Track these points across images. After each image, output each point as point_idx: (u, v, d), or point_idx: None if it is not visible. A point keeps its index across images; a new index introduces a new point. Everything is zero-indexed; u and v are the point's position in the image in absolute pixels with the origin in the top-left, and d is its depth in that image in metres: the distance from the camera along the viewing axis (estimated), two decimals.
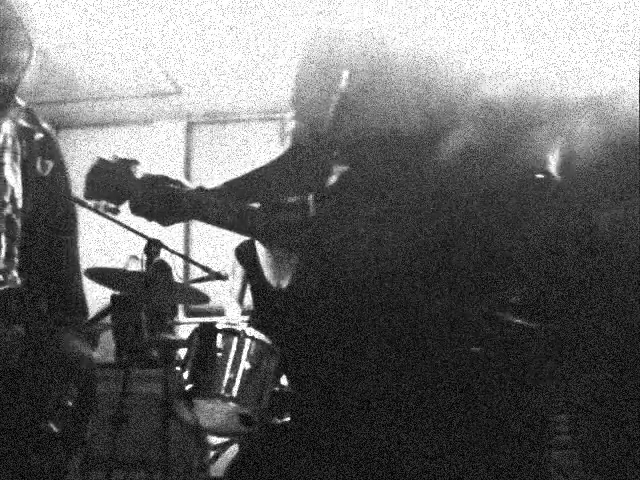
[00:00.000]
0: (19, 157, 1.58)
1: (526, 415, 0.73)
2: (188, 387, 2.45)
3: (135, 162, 1.07)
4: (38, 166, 1.61)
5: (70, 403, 1.55)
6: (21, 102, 1.63)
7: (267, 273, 3.48)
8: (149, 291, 2.78)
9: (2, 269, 1.50)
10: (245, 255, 3.51)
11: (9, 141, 1.57)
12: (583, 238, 0.70)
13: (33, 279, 1.60)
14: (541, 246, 0.73)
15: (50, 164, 1.64)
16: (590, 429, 0.68)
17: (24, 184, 1.58)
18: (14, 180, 1.55)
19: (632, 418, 0.66)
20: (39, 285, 1.64)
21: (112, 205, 1.12)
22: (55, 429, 1.49)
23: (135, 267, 3.73)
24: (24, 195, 1.58)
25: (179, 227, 5.47)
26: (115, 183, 1.05)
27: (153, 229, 2.96)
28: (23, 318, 1.45)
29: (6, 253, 1.52)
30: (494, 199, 0.77)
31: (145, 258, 2.80)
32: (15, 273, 1.53)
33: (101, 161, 1.09)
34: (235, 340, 2.56)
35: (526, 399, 0.73)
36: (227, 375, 2.47)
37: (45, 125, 1.69)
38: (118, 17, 3.99)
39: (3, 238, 1.51)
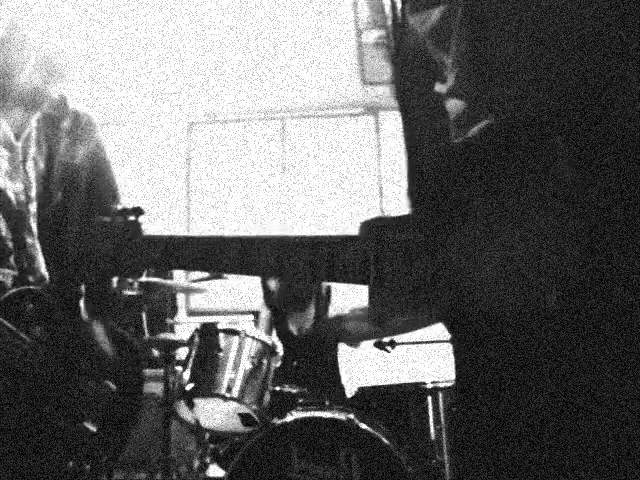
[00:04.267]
0: (44, 149, 1.56)
1: (526, 415, 0.73)
2: (189, 387, 2.45)
3: (139, 212, 0.88)
4: (65, 154, 1.58)
5: (106, 403, 1.52)
6: (55, 94, 1.60)
7: (290, 320, 3.59)
8: (150, 291, 2.78)
9: (30, 268, 1.49)
10: (272, 300, 3.60)
11: (34, 134, 1.55)
12: (583, 238, 0.70)
13: (67, 281, 1.59)
14: (541, 246, 0.73)
15: (80, 150, 1.61)
16: (590, 429, 0.68)
17: (48, 175, 1.56)
18: (36, 175, 1.53)
19: (632, 418, 0.66)
20: (74, 283, 1.62)
21: (134, 280, 0.95)
22: (93, 429, 1.48)
23: None
24: (49, 186, 1.56)
25: (180, 227, 5.47)
26: (124, 256, 0.86)
27: (153, 229, 2.96)
28: (42, 319, 1.43)
29: (32, 252, 1.51)
30: None
31: None
32: (43, 271, 1.53)
33: (99, 226, 0.87)
34: (236, 340, 2.56)
35: (526, 399, 0.73)
36: (228, 375, 2.47)
37: (78, 109, 1.65)
38: (118, 17, 3.99)
39: (29, 239, 1.50)
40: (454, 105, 0.84)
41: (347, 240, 0.84)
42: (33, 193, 1.51)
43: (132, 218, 0.89)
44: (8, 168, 1.47)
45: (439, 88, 0.87)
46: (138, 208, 0.90)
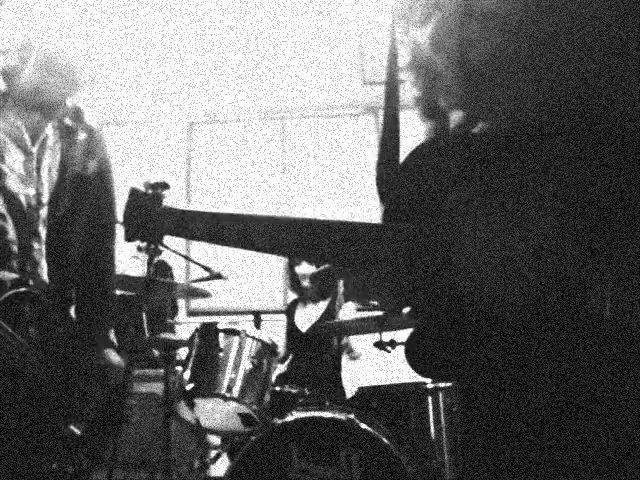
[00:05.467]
0: (58, 157, 1.58)
1: (526, 415, 0.73)
2: (189, 387, 2.45)
3: (164, 186, 1.03)
4: (79, 166, 1.60)
5: (93, 408, 1.53)
6: (70, 102, 1.62)
7: (297, 319, 3.63)
8: (150, 291, 2.78)
9: (32, 272, 1.50)
10: (289, 311, 3.73)
11: (50, 141, 1.57)
12: (583, 238, 0.70)
13: (65, 282, 1.60)
14: (541, 246, 0.73)
15: (93, 164, 1.63)
16: (590, 429, 0.68)
17: (61, 184, 1.57)
18: (49, 182, 1.55)
19: (632, 418, 0.66)
20: (70, 288, 1.63)
21: (152, 246, 1.08)
22: (77, 432, 1.48)
23: (136, 267, 3.73)
24: (60, 195, 1.57)
25: None
26: (148, 223, 1.01)
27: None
28: (38, 321, 1.44)
29: (37, 257, 1.51)
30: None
31: (146, 258, 2.80)
32: (45, 276, 1.53)
33: (133, 194, 1.02)
34: (236, 340, 2.56)
35: (526, 399, 0.73)
36: (228, 375, 2.47)
37: (92, 123, 1.68)
38: (118, 17, 3.99)
39: (35, 243, 1.51)
40: (456, 116, 0.85)
41: (349, 229, 0.88)
42: (45, 199, 1.53)
43: (158, 191, 1.03)
44: (22, 172, 1.49)
45: (441, 103, 0.88)
46: (164, 182, 1.03)
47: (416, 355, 0.86)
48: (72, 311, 1.64)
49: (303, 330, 3.49)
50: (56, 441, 1.42)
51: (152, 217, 1.01)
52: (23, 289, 1.43)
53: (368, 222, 0.88)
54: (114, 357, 1.63)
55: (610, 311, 0.68)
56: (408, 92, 0.96)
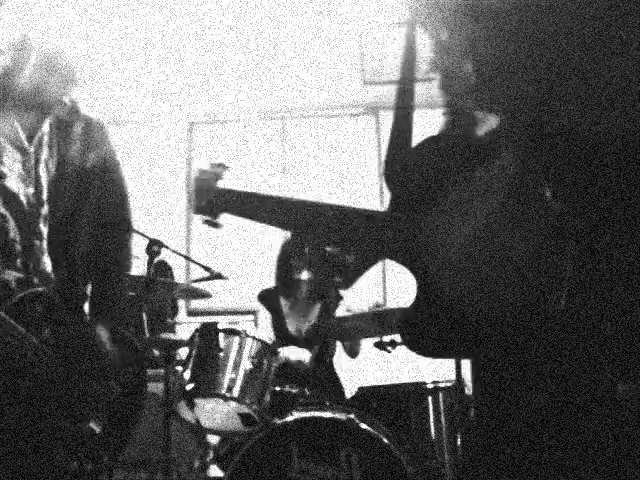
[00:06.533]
0: (55, 153, 1.57)
1: (526, 415, 0.73)
2: (189, 387, 2.45)
3: (223, 167, 1.16)
4: (78, 159, 1.60)
5: (108, 403, 1.53)
6: (66, 99, 1.62)
7: (288, 320, 3.55)
8: (150, 291, 2.78)
9: (35, 269, 1.50)
10: (269, 302, 3.51)
11: (46, 138, 1.57)
12: (583, 238, 0.70)
13: (74, 279, 1.60)
14: (541, 246, 0.73)
15: (92, 156, 1.63)
16: (590, 429, 0.68)
17: (60, 179, 1.57)
18: (47, 179, 1.55)
19: (632, 418, 0.66)
20: (80, 285, 1.63)
21: (213, 220, 1.20)
22: (97, 429, 1.48)
23: (136, 267, 3.72)
24: (60, 191, 1.57)
25: (180, 227, 5.47)
26: (206, 198, 1.14)
27: (154, 229, 2.96)
28: (50, 321, 1.44)
29: (38, 254, 1.51)
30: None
31: (146, 258, 2.80)
32: (49, 269, 1.53)
33: (200, 173, 1.15)
34: (236, 340, 2.56)
35: (526, 399, 0.73)
36: (228, 375, 2.46)
37: (90, 115, 1.67)
38: (118, 17, 3.99)
39: (36, 241, 1.51)
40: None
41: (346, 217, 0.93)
42: (44, 196, 1.53)
43: (217, 170, 1.15)
44: (21, 171, 1.49)
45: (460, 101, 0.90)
46: (222, 164, 1.16)
47: (413, 330, 0.87)
48: (85, 309, 1.64)
49: (294, 332, 3.43)
50: (61, 440, 1.42)
51: (210, 193, 1.13)
52: (40, 289, 1.44)
53: (373, 210, 0.89)
54: (105, 338, 1.60)
55: (610, 311, 0.68)
56: (425, 91, 0.98)
